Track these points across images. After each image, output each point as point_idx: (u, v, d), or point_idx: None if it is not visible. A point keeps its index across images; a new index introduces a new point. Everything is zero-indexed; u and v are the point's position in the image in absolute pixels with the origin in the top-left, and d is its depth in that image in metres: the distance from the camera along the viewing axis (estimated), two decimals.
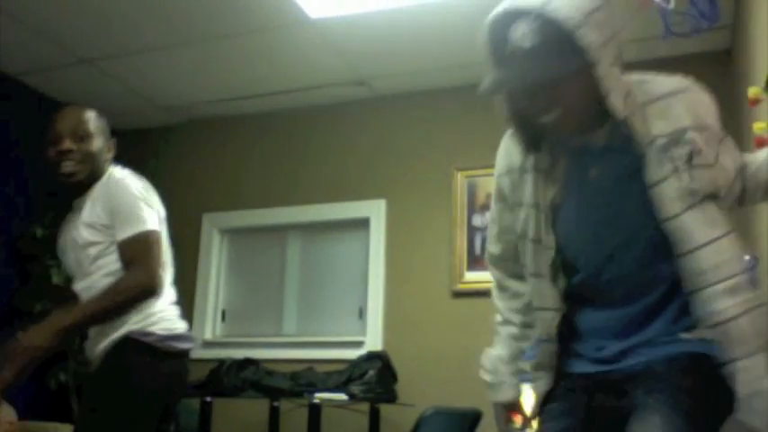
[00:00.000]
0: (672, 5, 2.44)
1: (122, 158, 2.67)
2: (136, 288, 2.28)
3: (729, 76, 4.15)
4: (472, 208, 4.56)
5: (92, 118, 2.58)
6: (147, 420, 2.34)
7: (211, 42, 4.38)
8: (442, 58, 4.40)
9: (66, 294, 4.51)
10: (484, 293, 4.14)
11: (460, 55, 4.23)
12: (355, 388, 3.97)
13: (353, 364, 4.10)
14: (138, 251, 2.31)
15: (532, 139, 1.73)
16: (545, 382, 1.82)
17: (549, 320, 1.78)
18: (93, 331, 2.40)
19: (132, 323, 2.33)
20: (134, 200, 2.39)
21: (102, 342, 2.35)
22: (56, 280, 4.54)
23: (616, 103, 1.55)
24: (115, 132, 5.44)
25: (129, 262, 2.32)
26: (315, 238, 4.98)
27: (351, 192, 4.88)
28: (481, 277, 4.36)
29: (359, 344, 4.56)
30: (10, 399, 4.10)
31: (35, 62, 4.66)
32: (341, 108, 5.06)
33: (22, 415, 4.12)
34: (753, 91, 2.40)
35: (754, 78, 3.06)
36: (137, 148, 5.29)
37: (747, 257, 2.54)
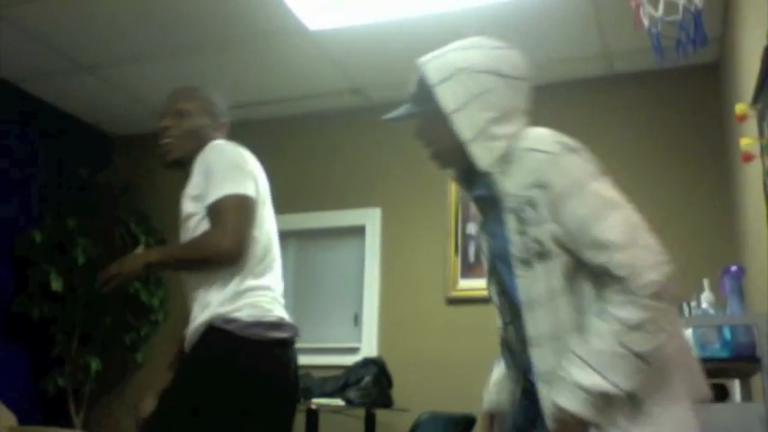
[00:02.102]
0: (660, 29, 2.53)
1: (121, 163, 2.70)
2: (209, 248, 2.19)
3: (717, 90, 4.24)
4: (466, 217, 4.63)
5: (195, 96, 2.50)
6: (224, 420, 2.15)
7: (211, 51, 4.45)
8: None
9: (65, 300, 4.60)
10: (477, 300, 4.28)
11: None
12: (351, 393, 4.02)
13: (349, 369, 4.16)
14: (221, 212, 2.20)
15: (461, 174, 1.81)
16: (491, 399, 1.91)
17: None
18: (190, 314, 2.32)
19: (216, 305, 2.22)
20: (228, 163, 2.29)
21: (193, 326, 2.25)
22: (54, 286, 4.58)
23: (474, 154, 1.67)
24: (114, 138, 5.48)
25: (213, 224, 2.22)
26: (310, 245, 5.04)
27: (346, 200, 4.95)
28: (475, 285, 4.44)
29: (354, 350, 4.63)
30: (9, 403, 4.15)
31: (35, 69, 4.70)
32: (336, 117, 5.13)
33: (21, 420, 4.16)
34: (740, 108, 2.48)
35: (742, 93, 3.14)
36: (135, 154, 5.35)
37: (734, 268, 2.63)
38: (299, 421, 3.85)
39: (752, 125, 2.63)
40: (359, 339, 4.70)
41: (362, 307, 4.74)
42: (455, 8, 3.91)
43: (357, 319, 4.77)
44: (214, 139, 2.42)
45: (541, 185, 1.64)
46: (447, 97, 1.70)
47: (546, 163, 1.66)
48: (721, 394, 2.84)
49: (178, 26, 4.18)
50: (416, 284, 4.66)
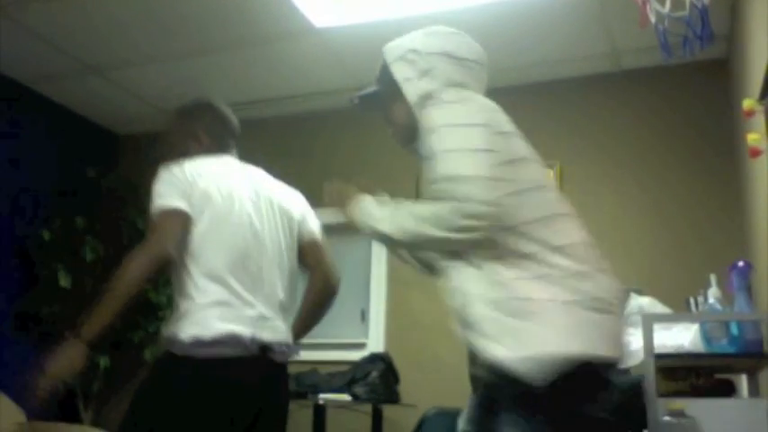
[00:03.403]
0: (667, 25, 2.53)
1: (128, 162, 2.72)
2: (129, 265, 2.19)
3: (724, 86, 4.23)
4: None
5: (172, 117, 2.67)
6: None
7: (217, 50, 4.46)
8: None
9: (74, 297, 4.61)
10: None
11: None
12: (358, 389, 4.03)
13: (356, 365, 4.17)
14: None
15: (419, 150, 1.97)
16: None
17: None
18: None
19: (168, 327, 2.27)
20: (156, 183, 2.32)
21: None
22: (63, 283, 4.60)
23: (419, 117, 1.89)
24: (121, 137, 5.49)
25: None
26: None
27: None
28: None
29: (361, 345, 4.64)
30: (18, 401, 4.17)
31: (44, 70, 4.73)
32: (341, 115, 5.13)
33: (30, 417, 4.18)
34: (747, 103, 2.48)
35: (749, 89, 3.14)
36: (141, 153, 5.37)
37: (742, 263, 2.63)
38: (307, 417, 3.87)
39: (759, 121, 2.63)
40: (366, 335, 4.71)
41: (369, 303, 4.76)
42: (461, 6, 3.92)
43: (364, 315, 4.79)
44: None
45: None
46: (399, 71, 1.96)
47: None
48: (728, 390, 2.84)
49: (185, 28, 4.21)
50: (423, 280, 4.65)
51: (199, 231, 2.27)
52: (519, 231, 1.77)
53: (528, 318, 1.70)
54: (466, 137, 1.79)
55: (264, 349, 2.27)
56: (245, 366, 2.22)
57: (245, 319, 2.25)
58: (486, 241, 1.75)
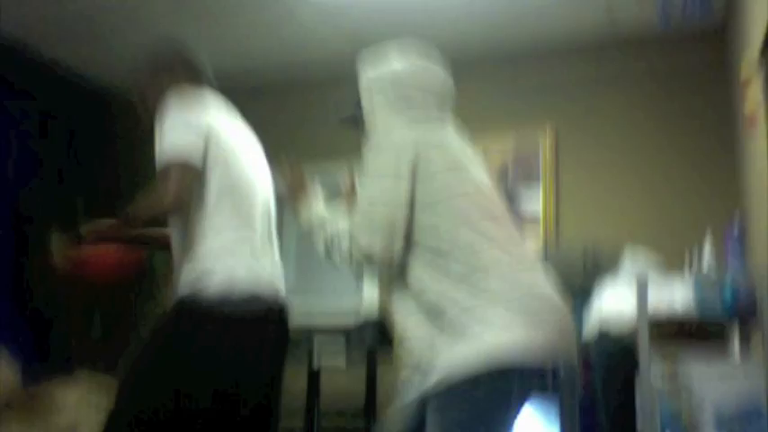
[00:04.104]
0: None
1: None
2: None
3: (721, 54, 4.23)
4: None
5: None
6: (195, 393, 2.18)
7: (211, 16, 4.44)
8: (436, 36, 4.47)
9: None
10: None
11: (455, 33, 4.31)
12: (353, 354, 4.05)
13: (351, 331, 4.17)
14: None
15: None
16: None
17: None
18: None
19: (185, 282, 2.25)
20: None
21: (175, 286, 2.29)
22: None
23: None
24: (113, 95, 5.34)
25: None
26: None
27: (346, 160, 4.93)
28: None
29: (356, 311, 4.64)
30: (12, 351, 4.16)
31: (31, 25, 4.67)
32: (336, 81, 5.10)
33: (25, 368, 4.18)
34: (745, 66, 2.47)
35: (747, 52, 3.13)
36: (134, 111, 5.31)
37: (737, 228, 2.65)
38: (301, 383, 3.89)
39: (756, 88, 2.63)
40: (360, 300, 4.72)
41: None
42: None
43: (359, 281, 4.78)
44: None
45: None
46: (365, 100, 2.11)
47: None
48: (720, 352, 2.87)
49: None
50: None
51: (209, 179, 2.28)
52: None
53: (463, 327, 1.80)
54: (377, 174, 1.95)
55: (282, 304, 2.34)
56: (269, 321, 2.29)
57: (266, 274, 2.30)
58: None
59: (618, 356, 2.86)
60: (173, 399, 2.17)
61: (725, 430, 2.34)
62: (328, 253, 2.01)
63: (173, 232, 2.36)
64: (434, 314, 1.85)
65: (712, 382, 2.43)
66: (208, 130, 2.28)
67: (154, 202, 2.22)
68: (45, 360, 4.64)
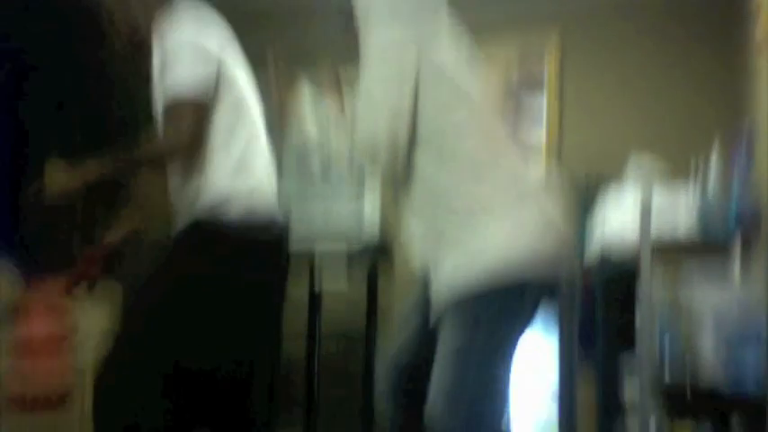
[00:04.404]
0: None
1: None
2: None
3: None
4: None
5: None
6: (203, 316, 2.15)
7: None
8: None
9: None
10: None
11: None
12: (354, 275, 4.03)
13: (352, 253, 4.14)
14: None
15: None
16: None
17: None
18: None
19: (199, 208, 2.16)
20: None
21: (181, 213, 2.23)
22: None
23: None
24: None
25: None
26: None
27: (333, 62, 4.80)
28: None
29: (357, 232, 4.60)
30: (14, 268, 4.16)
31: None
32: None
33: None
34: None
35: None
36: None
37: (745, 143, 2.56)
38: (302, 306, 3.88)
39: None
40: (362, 223, 4.67)
41: (365, 184, 4.68)
42: None
43: (360, 202, 4.72)
44: None
45: None
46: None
47: None
48: (721, 270, 2.83)
49: None
50: None
51: (218, 111, 2.18)
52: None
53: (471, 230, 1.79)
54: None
55: (287, 230, 2.32)
56: (282, 246, 2.28)
57: (275, 200, 2.26)
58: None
59: (618, 277, 2.83)
60: (189, 320, 2.14)
61: (724, 350, 2.32)
62: (325, 163, 2.01)
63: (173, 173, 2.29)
64: (439, 226, 1.84)
65: (713, 302, 2.39)
66: (218, 57, 2.16)
67: (166, 147, 2.12)
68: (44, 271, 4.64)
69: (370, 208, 4.64)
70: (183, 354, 2.13)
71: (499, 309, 1.78)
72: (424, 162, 1.86)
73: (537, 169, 2.04)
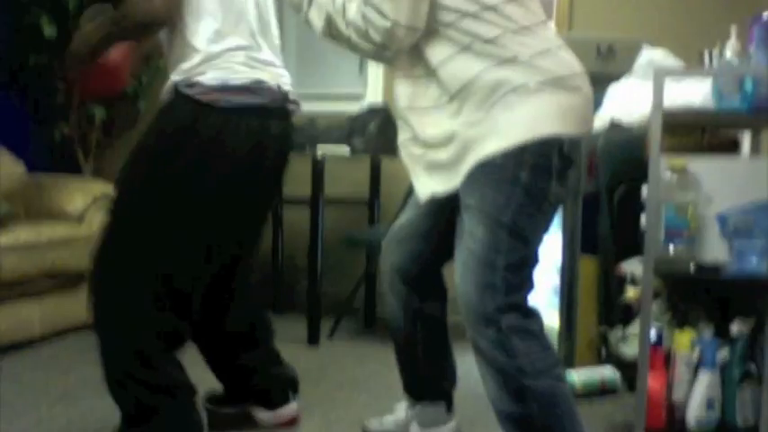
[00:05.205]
0: None
1: None
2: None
3: None
4: None
5: None
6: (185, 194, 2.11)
7: None
8: None
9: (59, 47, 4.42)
10: None
11: None
12: (356, 141, 3.98)
13: (354, 117, 4.09)
14: None
15: None
16: None
17: None
18: None
19: (179, 72, 2.08)
20: None
21: (163, 89, 2.16)
22: (47, 32, 4.38)
23: None
24: None
25: None
26: None
27: None
28: None
29: (359, 97, 4.53)
30: (16, 153, 4.15)
31: None
32: None
33: (30, 169, 4.18)
34: None
35: None
36: None
37: (765, 16, 2.42)
38: (305, 169, 3.85)
39: None
40: (364, 86, 4.58)
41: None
42: None
43: (362, 66, 4.62)
44: None
45: None
46: None
47: None
48: (732, 147, 2.77)
49: None
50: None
51: None
52: (479, 17, 1.76)
53: (503, 108, 1.74)
54: None
55: (285, 99, 2.22)
56: (271, 116, 2.17)
57: (267, 67, 2.17)
58: (449, 32, 1.78)
59: (626, 153, 2.76)
60: (172, 199, 2.10)
61: (730, 230, 2.29)
62: (332, 31, 1.89)
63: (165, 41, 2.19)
64: (460, 90, 1.77)
65: (721, 182, 2.35)
66: None
67: (142, 6, 2.01)
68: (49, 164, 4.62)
69: (374, 68, 4.53)
70: (169, 244, 2.11)
71: (532, 166, 1.73)
72: (443, 29, 1.79)
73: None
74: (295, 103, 2.28)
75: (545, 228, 1.86)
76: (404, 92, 1.92)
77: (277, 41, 2.29)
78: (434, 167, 1.88)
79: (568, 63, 1.82)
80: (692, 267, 2.30)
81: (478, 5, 1.75)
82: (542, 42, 1.79)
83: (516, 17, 1.77)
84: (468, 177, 1.79)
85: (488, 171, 1.75)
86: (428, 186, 1.92)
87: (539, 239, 1.84)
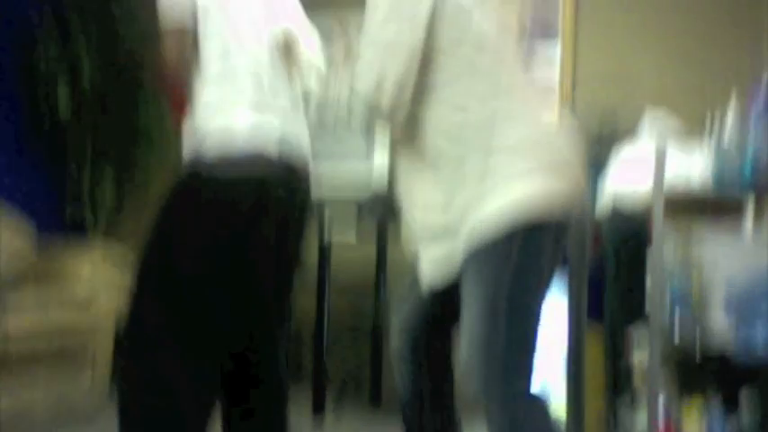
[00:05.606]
0: None
1: None
2: None
3: None
4: None
5: None
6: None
7: None
8: None
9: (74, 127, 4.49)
10: None
11: None
12: (363, 229, 4.01)
13: (362, 204, 4.11)
14: None
15: None
16: None
17: None
18: None
19: (186, 146, 2.14)
20: None
21: None
22: (62, 110, 4.49)
23: None
24: None
25: None
26: None
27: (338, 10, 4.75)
28: None
29: (367, 183, 4.56)
30: (27, 220, 4.18)
31: None
32: None
33: (39, 236, 4.21)
34: None
35: None
36: None
37: (764, 89, 2.49)
38: (312, 258, 3.87)
39: None
40: (372, 171, 4.63)
41: (375, 133, 4.60)
42: None
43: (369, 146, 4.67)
44: None
45: None
46: None
47: None
48: (733, 229, 2.79)
49: None
50: None
51: (211, 38, 2.15)
52: (472, 109, 1.81)
53: (495, 194, 1.77)
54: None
55: (291, 170, 2.20)
56: (271, 185, 2.15)
57: (269, 133, 2.15)
58: (442, 123, 1.83)
59: (630, 231, 2.79)
60: (176, 278, 2.10)
61: (734, 307, 2.30)
62: (324, 116, 1.97)
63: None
64: (453, 169, 1.81)
65: (724, 258, 2.37)
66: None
67: (161, 69, 2.15)
68: (59, 228, 4.67)
69: (381, 158, 4.60)
70: (185, 316, 2.10)
71: (523, 248, 1.77)
72: (436, 101, 1.83)
73: (551, 112, 1.99)
74: (299, 170, 2.26)
75: (542, 301, 1.88)
76: (403, 179, 1.98)
77: (288, 104, 2.25)
78: (434, 256, 1.93)
79: (559, 148, 1.87)
80: (698, 355, 2.30)
81: (472, 99, 1.81)
82: (534, 128, 1.84)
83: (508, 106, 1.83)
84: (465, 262, 1.84)
85: (482, 255, 1.80)
86: (429, 275, 1.96)
87: (537, 314, 1.86)
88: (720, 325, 2.35)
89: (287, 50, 2.09)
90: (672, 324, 2.35)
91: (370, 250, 4.28)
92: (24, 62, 4.62)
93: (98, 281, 3.97)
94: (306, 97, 1.97)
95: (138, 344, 2.11)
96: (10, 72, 4.59)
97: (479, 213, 1.78)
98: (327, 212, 4.11)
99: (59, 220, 4.73)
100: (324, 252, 3.82)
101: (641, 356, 2.52)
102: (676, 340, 2.35)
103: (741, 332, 2.29)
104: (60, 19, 4.71)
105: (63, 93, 4.52)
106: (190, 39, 2.13)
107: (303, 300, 4.20)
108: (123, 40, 4.76)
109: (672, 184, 2.46)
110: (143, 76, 4.72)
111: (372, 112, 1.82)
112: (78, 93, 4.57)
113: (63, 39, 4.63)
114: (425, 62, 1.81)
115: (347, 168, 4.75)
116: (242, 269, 2.15)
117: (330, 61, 2.10)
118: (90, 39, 4.66)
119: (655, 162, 2.35)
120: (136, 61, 4.73)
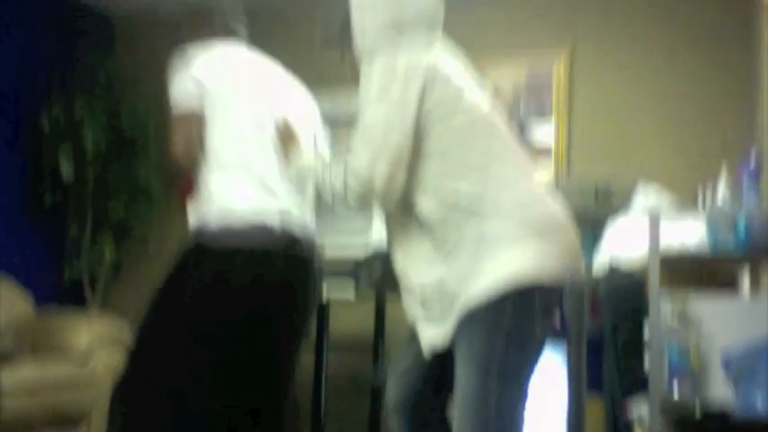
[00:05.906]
0: None
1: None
2: None
3: None
4: None
5: None
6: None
7: None
8: None
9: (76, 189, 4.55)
10: None
11: None
12: (362, 286, 4.00)
13: (360, 262, 4.12)
14: None
15: None
16: None
17: None
18: None
19: (192, 219, 2.23)
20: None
21: None
22: (65, 173, 4.52)
23: None
24: (116, 20, 5.05)
25: None
26: None
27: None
28: None
29: (365, 242, 4.58)
30: (25, 287, 4.18)
31: None
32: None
33: (37, 303, 4.21)
34: None
35: None
36: (138, 38, 5.16)
37: (753, 161, 2.53)
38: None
39: None
40: (370, 231, 4.65)
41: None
42: None
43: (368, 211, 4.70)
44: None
45: None
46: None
47: None
48: (730, 293, 2.80)
49: None
50: None
51: (216, 126, 2.22)
52: (465, 178, 1.84)
53: (487, 259, 1.79)
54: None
55: (294, 243, 2.24)
56: (273, 258, 2.20)
57: (272, 209, 2.20)
58: (436, 192, 1.85)
59: (627, 295, 2.79)
60: (176, 347, 2.13)
61: (733, 370, 2.28)
62: (322, 197, 1.99)
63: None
64: (448, 234, 1.83)
65: (722, 322, 2.36)
66: (199, 77, 2.22)
67: (172, 149, 2.22)
68: (58, 287, 4.67)
69: (379, 217, 4.61)
70: (185, 384, 2.11)
71: (516, 312, 1.78)
72: (428, 178, 1.85)
73: (544, 176, 2.03)
74: (303, 243, 2.30)
75: (535, 364, 1.89)
76: (398, 244, 1.99)
77: (289, 185, 2.31)
78: (430, 320, 1.94)
79: (551, 213, 1.89)
80: (697, 413, 2.28)
81: (465, 168, 1.83)
82: (527, 193, 1.87)
83: (501, 172, 1.85)
84: (459, 326, 1.85)
85: (476, 319, 1.81)
86: (428, 339, 1.96)
87: (528, 378, 1.87)
88: (720, 387, 2.33)
89: (285, 137, 2.15)
90: (671, 390, 2.33)
91: (369, 308, 4.27)
92: (29, 125, 4.67)
93: (95, 345, 3.95)
94: (303, 178, 2.01)
95: (135, 408, 2.11)
96: (14, 136, 4.64)
97: (475, 277, 1.80)
98: (325, 270, 4.10)
99: (58, 278, 4.73)
100: (322, 309, 3.80)
101: (642, 428, 2.49)
102: (675, 393, 2.33)
103: (740, 387, 2.27)
104: (65, 82, 4.78)
105: (66, 156, 4.56)
106: (198, 124, 2.19)
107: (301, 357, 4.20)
108: (126, 106, 4.82)
109: (667, 244, 2.46)
110: (144, 134, 4.76)
111: (366, 196, 1.83)
112: (80, 155, 4.60)
113: (66, 102, 4.69)
114: (418, 134, 1.83)
115: (345, 227, 4.77)
116: (245, 346, 2.18)
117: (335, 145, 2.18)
118: (92, 101, 4.72)
119: (649, 227, 2.36)
120: (138, 122, 4.78)
